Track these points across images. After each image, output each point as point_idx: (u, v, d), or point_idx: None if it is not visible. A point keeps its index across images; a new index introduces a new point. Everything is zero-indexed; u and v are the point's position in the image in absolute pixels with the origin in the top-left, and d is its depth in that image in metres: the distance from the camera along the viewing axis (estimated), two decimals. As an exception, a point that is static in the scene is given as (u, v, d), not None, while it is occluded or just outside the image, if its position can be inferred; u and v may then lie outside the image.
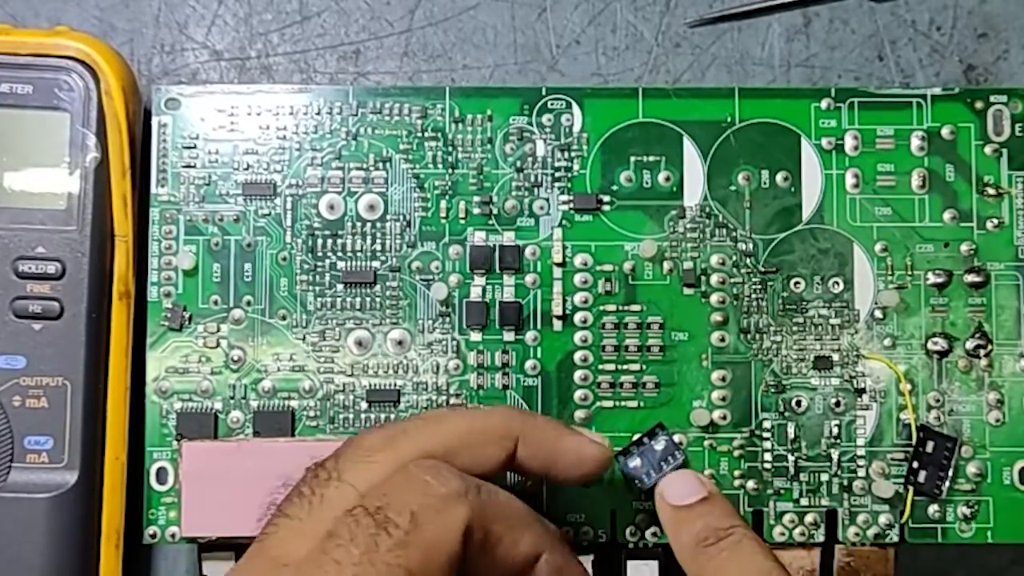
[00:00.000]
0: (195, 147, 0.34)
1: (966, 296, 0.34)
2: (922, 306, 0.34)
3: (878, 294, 0.34)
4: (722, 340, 0.33)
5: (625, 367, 0.33)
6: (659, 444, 0.32)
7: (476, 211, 0.34)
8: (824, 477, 0.33)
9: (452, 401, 0.33)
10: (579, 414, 0.33)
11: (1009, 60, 0.36)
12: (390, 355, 0.33)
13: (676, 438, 0.33)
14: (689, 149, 0.34)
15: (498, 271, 0.34)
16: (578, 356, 0.33)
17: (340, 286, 0.33)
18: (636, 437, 0.32)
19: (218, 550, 0.33)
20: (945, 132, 0.34)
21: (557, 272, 0.34)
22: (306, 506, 0.26)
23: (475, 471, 0.27)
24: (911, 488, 0.33)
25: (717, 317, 0.33)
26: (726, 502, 0.31)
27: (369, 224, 0.34)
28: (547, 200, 0.34)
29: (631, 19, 0.36)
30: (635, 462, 0.32)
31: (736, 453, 0.33)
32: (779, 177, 0.34)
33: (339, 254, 0.34)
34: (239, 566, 0.26)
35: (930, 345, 0.33)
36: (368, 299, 0.34)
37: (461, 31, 0.36)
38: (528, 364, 0.33)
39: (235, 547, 0.33)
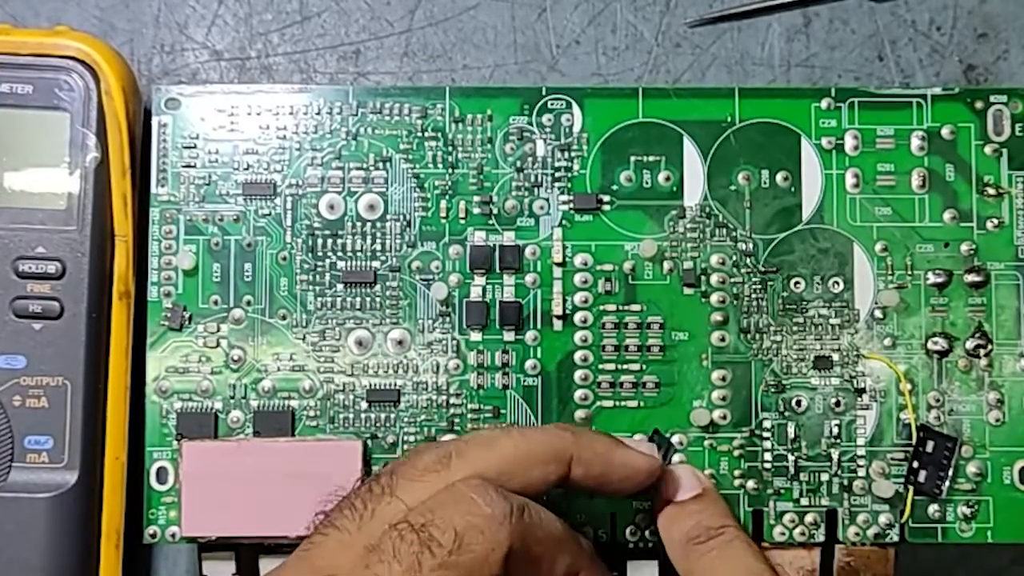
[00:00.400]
0: (195, 147, 0.34)
1: (966, 296, 0.34)
2: (922, 306, 0.34)
3: (878, 294, 0.34)
4: (722, 340, 0.33)
5: (625, 367, 0.33)
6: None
7: (476, 211, 0.34)
8: (824, 477, 0.33)
9: (452, 401, 0.33)
10: (579, 414, 0.33)
11: (1009, 60, 0.36)
12: (390, 355, 0.33)
13: (676, 438, 0.33)
14: (689, 149, 0.34)
15: (498, 271, 0.34)
16: (578, 356, 0.33)
17: (340, 286, 0.33)
18: None
19: (218, 550, 0.33)
20: (945, 132, 0.34)
21: (557, 272, 0.34)
22: (357, 519, 0.26)
23: (529, 492, 0.28)
24: (911, 488, 0.33)
25: (717, 317, 0.33)
26: (720, 500, 0.31)
27: (369, 224, 0.34)
28: (547, 200, 0.34)
29: (631, 19, 0.36)
30: None
31: (736, 453, 0.33)
32: (779, 177, 0.34)
33: (339, 254, 0.34)
34: (279, 571, 0.26)
35: (930, 345, 0.33)
36: (368, 299, 0.34)
37: (461, 31, 0.36)
38: (528, 364, 0.33)
39: (235, 547, 0.33)
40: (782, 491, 0.33)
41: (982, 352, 0.33)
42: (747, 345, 0.34)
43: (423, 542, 0.25)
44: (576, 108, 0.34)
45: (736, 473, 0.33)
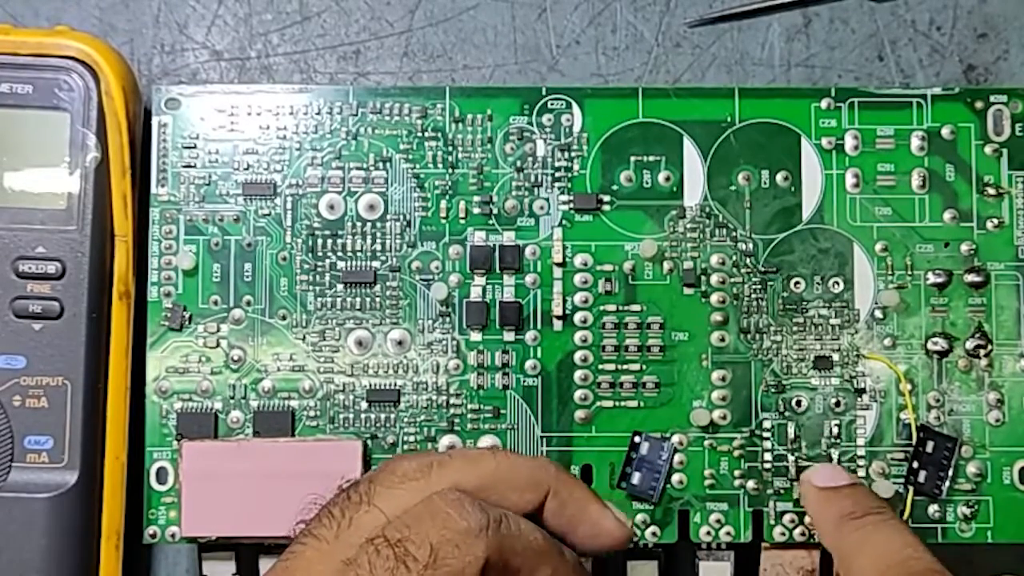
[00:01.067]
0: (195, 147, 0.34)
1: (966, 296, 0.34)
2: (922, 306, 0.34)
3: (878, 294, 0.34)
4: (722, 340, 0.33)
5: (625, 367, 0.33)
6: (645, 448, 0.33)
7: (476, 211, 0.34)
8: (824, 477, 0.33)
9: (452, 401, 0.33)
10: (579, 414, 0.33)
11: (1009, 60, 0.36)
12: (390, 355, 0.33)
13: (676, 438, 0.33)
14: (689, 149, 0.34)
15: (498, 271, 0.34)
16: (578, 356, 0.33)
17: (340, 286, 0.33)
18: (624, 462, 0.33)
19: (218, 550, 0.33)
20: (945, 132, 0.34)
21: (557, 272, 0.34)
22: (334, 528, 0.26)
23: None
24: (911, 488, 0.33)
25: (717, 317, 0.33)
26: (871, 491, 0.32)
27: (369, 224, 0.34)
28: (547, 200, 0.34)
29: (631, 19, 0.36)
30: (637, 477, 0.32)
31: (736, 453, 0.33)
32: (779, 177, 0.34)
33: (339, 254, 0.34)
34: None
35: (930, 345, 0.33)
36: (368, 299, 0.34)
37: (461, 31, 0.36)
38: (528, 364, 0.33)
39: (235, 547, 0.33)
40: (782, 491, 0.33)
41: (982, 352, 0.33)
42: (747, 345, 0.34)
43: (399, 557, 0.25)
44: (576, 108, 0.34)
45: (736, 473, 0.33)
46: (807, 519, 0.33)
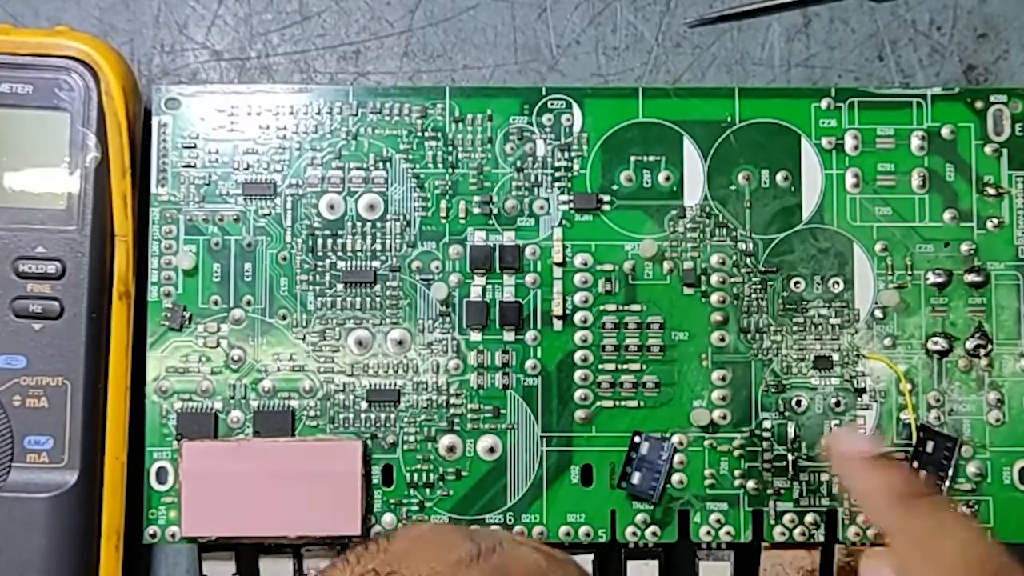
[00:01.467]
0: (195, 147, 0.34)
1: (966, 296, 0.34)
2: (922, 306, 0.34)
3: (878, 294, 0.34)
4: (722, 340, 0.33)
5: (625, 367, 0.33)
6: (645, 448, 0.33)
7: (476, 211, 0.34)
8: (824, 477, 0.33)
9: (452, 401, 0.33)
10: (579, 414, 0.33)
11: (1009, 60, 0.36)
12: (390, 355, 0.33)
13: (676, 438, 0.33)
14: (689, 149, 0.34)
15: (498, 271, 0.34)
16: (578, 356, 0.33)
17: (340, 286, 0.33)
18: (624, 462, 0.33)
19: (218, 550, 0.33)
20: (945, 132, 0.34)
21: (557, 272, 0.34)
22: (348, 572, 0.26)
23: None
24: (911, 488, 0.33)
25: (717, 317, 0.33)
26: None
27: (369, 224, 0.34)
28: (547, 200, 0.34)
29: (631, 19, 0.36)
30: (637, 477, 0.33)
31: (736, 453, 0.33)
32: (779, 177, 0.34)
33: (339, 254, 0.34)
34: None
35: (930, 345, 0.33)
36: (368, 299, 0.34)
37: (461, 31, 0.36)
38: (528, 364, 0.33)
39: (235, 547, 0.33)
40: (782, 491, 0.33)
41: (982, 352, 0.33)
42: (747, 345, 0.34)
43: None
44: (576, 108, 0.34)
45: (736, 473, 0.33)
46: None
